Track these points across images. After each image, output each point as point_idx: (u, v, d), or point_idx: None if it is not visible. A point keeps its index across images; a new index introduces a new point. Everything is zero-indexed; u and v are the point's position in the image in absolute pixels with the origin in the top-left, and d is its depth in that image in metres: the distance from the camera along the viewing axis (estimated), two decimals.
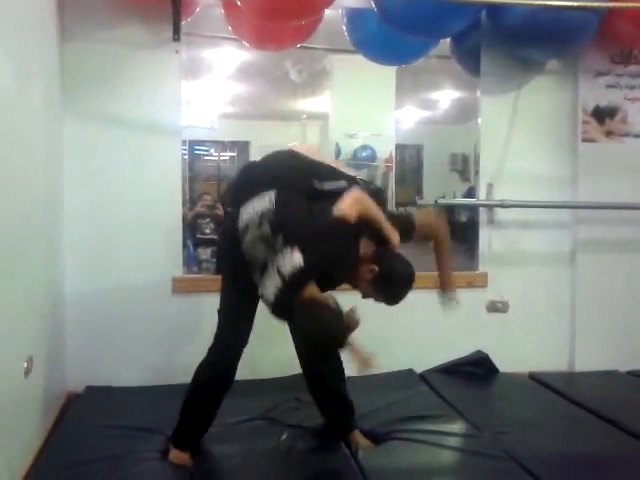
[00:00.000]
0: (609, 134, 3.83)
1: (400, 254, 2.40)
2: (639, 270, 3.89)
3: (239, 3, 3.03)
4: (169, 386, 3.15)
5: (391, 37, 3.30)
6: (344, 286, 2.46)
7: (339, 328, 2.18)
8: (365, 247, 2.35)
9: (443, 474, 2.57)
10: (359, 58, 3.65)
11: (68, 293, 3.30)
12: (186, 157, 3.94)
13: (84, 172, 3.31)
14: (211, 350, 2.50)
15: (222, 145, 5.13)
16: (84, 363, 3.31)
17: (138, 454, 2.51)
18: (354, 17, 3.52)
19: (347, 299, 2.31)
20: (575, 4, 3.02)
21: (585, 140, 3.80)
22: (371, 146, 4.92)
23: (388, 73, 4.27)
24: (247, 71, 4.55)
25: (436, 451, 2.65)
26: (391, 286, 2.35)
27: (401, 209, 2.76)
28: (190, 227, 4.20)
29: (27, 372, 2.45)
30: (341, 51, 4.17)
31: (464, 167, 4.88)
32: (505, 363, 3.68)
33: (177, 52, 3.38)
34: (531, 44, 3.46)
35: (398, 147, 4.89)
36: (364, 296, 2.41)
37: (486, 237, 3.78)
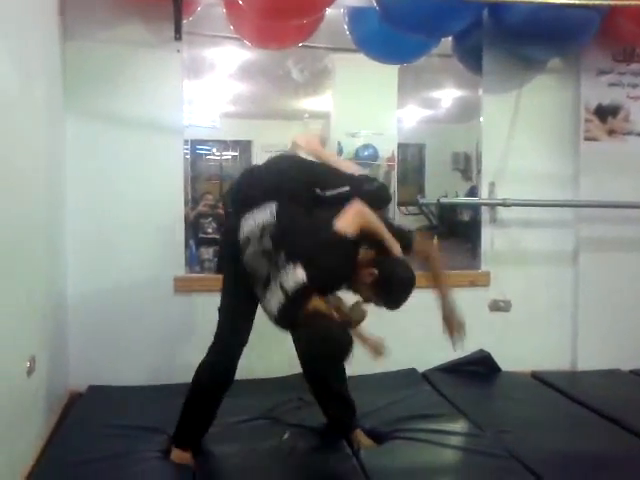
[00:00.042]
0: (611, 133, 3.82)
1: (400, 258, 2.38)
2: None
3: (241, 2, 3.03)
4: (171, 385, 3.15)
5: (393, 36, 3.30)
6: None
7: (344, 342, 2.18)
8: (365, 252, 2.34)
9: (445, 473, 2.57)
10: (361, 57, 3.65)
11: (70, 293, 3.30)
12: (188, 156, 3.95)
13: (86, 172, 3.31)
14: (211, 349, 2.51)
15: (224, 144, 5.14)
16: (86, 362, 3.31)
17: (140, 453, 2.51)
18: (356, 16, 3.51)
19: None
20: (577, 2, 3.02)
21: (587, 139, 3.79)
22: (373, 145, 4.92)
23: (390, 72, 4.27)
24: (249, 70, 4.55)
25: (438, 450, 2.65)
26: (391, 290, 2.33)
27: (402, 224, 2.73)
28: (192, 226, 4.21)
29: (29, 372, 2.45)
30: (343, 50, 4.17)
31: (466, 166, 4.88)
32: (507, 362, 3.68)
33: (179, 51, 3.38)
34: (533, 42, 3.45)
35: (400, 146, 4.90)
36: (365, 301, 2.41)
37: (488, 236, 3.78)
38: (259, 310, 2.42)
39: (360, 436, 2.69)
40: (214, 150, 5.16)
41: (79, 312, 3.30)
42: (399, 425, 2.81)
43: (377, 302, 2.37)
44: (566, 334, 3.85)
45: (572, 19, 3.21)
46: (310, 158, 2.74)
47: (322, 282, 2.24)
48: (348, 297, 2.31)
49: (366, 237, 2.31)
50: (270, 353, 3.21)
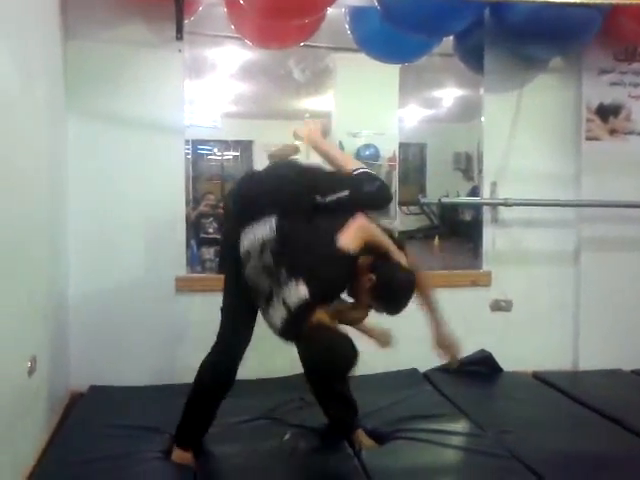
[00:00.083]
0: (613, 132, 3.82)
1: (399, 263, 2.36)
2: None
3: (242, 2, 3.03)
4: (172, 385, 3.16)
5: (394, 35, 3.29)
6: None
7: (349, 356, 2.18)
8: (363, 257, 2.31)
9: (447, 473, 2.57)
10: (362, 56, 3.64)
11: (71, 293, 3.30)
12: (189, 156, 3.95)
13: (87, 172, 3.31)
14: (214, 349, 2.50)
15: (225, 144, 5.13)
16: (88, 362, 3.31)
17: (142, 454, 2.51)
18: (357, 15, 3.51)
19: None
20: (579, 1, 3.01)
21: (589, 138, 3.79)
22: (374, 145, 4.91)
23: (391, 71, 4.26)
24: (250, 70, 4.54)
25: (440, 450, 2.65)
26: (391, 295, 2.31)
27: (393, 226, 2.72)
28: (193, 226, 4.20)
29: (31, 372, 2.45)
30: (344, 49, 4.16)
31: (467, 166, 4.87)
32: (509, 362, 3.68)
33: (180, 51, 3.38)
34: (534, 42, 3.45)
35: (401, 146, 4.89)
36: (365, 307, 2.38)
37: (490, 236, 3.77)
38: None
39: (361, 436, 2.69)
40: (215, 150, 5.15)
41: (80, 312, 3.30)
42: (400, 425, 2.81)
43: (377, 308, 2.35)
44: (568, 334, 3.84)
45: (573, 18, 3.21)
46: (308, 160, 2.74)
47: (324, 296, 2.24)
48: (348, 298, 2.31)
49: (369, 250, 2.28)
50: (271, 353, 3.19)
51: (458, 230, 5.16)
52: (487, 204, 3.76)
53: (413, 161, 5.42)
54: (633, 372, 3.73)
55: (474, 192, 4.12)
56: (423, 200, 5.18)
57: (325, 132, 2.97)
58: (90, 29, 3.28)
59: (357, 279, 2.29)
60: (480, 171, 3.84)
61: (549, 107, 3.80)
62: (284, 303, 2.17)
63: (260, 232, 2.28)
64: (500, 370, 3.69)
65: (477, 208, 3.93)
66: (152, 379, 3.31)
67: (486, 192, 3.76)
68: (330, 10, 3.28)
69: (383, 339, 2.49)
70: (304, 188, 2.42)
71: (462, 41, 3.78)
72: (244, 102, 4.94)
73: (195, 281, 3.49)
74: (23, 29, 2.44)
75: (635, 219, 3.81)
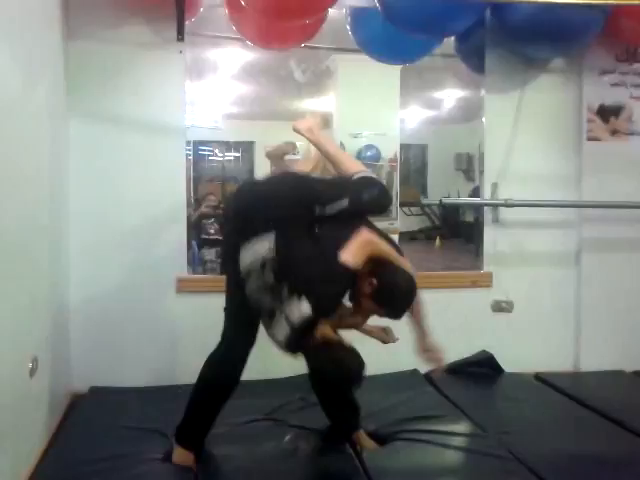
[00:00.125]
0: (614, 133, 3.82)
1: (400, 266, 2.34)
2: None
3: (243, 3, 3.03)
4: (173, 387, 3.16)
5: (395, 36, 3.29)
6: None
7: (356, 370, 2.19)
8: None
9: (448, 474, 2.56)
10: (363, 57, 3.64)
11: (72, 293, 3.30)
12: (190, 157, 3.94)
13: (88, 172, 3.31)
14: (218, 347, 2.50)
15: (226, 145, 5.12)
16: (88, 364, 3.31)
17: (142, 455, 2.51)
18: (358, 16, 3.51)
19: None
20: (580, 1, 3.01)
21: (590, 139, 3.79)
22: (375, 146, 4.90)
23: (392, 72, 4.25)
24: (251, 71, 4.54)
25: (441, 451, 2.65)
26: (392, 298, 2.29)
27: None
28: (195, 227, 4.20)
29: (32, 373, 2.45)
30: (345, 50, 4.15)
31: (469, 166, 4.87)
32: (510, 363, 3.68)
33: (181, 52, 3.39)
34: (535, 42, 3.45)
35: (402, 146, 4.87)
36: (366, 312, 2.38)
37: (491, 236, 3.77)
38: None
39: (362, 438, 2.69)
40: (216, 151, 5.14)
41: (81, 313, 3.31)
42: (401, 426, 2.81)
43: (379, 312, 2.34)
44: (569, 335, 3.84)
45: (575, 19, 3.21)
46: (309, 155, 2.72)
47: (327, 311, 2.24)
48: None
49: (372, 260, 2.27)
50: (272, 354, 3.19)
51: (459, 231, 5.16)
52: (488, 205, 3.76)
53: (414, 162, 5.41)
54: (635, 373, 3.73)
55: (475, 193, 4.12)
56: (424, 201, 5.17)
57: (326, 123, 2.93)
58: (91, 30, 3.28)
59: (357, 284, 2.27)
60: (481, 172, 3.84)
61: (550, 108, 3.80)
62: (287, 320, 2.17)
63: (260, 250, 2.27)
64: (501, 371, 3.68)
65: (478, 209, 3.93)
66: (153, 380, 3.32)
67: (487, 193, 3.75)
68: (331, 11, 3.29)
69: (385, 336, 2.49)
70: (303, 201, 2.38)
71: (463, 42, 3.78)
72: (245, 103, 4.93)
73: (196, 282, 3.49)
74: (25, 30, 2.44)
75: (636, 220, 3.80)
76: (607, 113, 3.81)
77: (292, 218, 2.33)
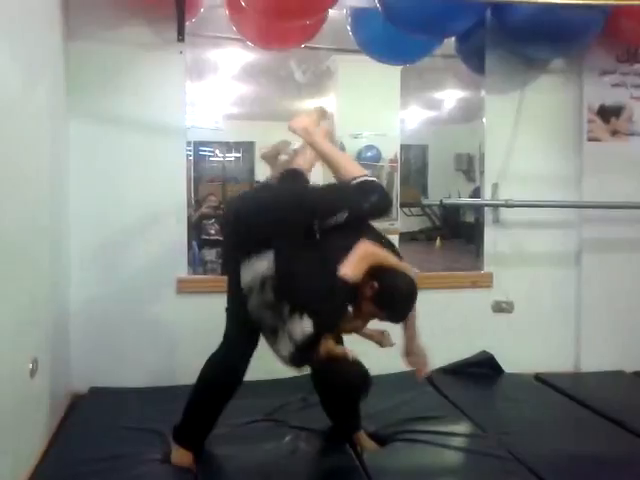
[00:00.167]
0: (614, 133, 3.81)
1: (400, 269, 2.32)
2: None
3: (243, 3, 3.03)
4: (173, 387, 3.15)
5: (395, 36, 3.29)
6: None
7: (362, 383, 2.21)
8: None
9: (448, 475, 2.57)
10: (364, 58, 3.64)
11: (73, 294, 3.30)
12: (191, 158, 3.95)
13: (88, 173, 3.31)
14: (220, 347, 2.50)
15: (227, 146, 5.12)
16: (88, 364, 3.31)
17: (142, 455, 2.51)
18: (358, 17, 3.51)
19: None
20: (580, 2, 3.01)
21: (590, 139, 3.79)
22: (376, 146, 4.91)
23: (393, 73, 4.25)
24: (251, 71, 4.54)
25: (441, 452, 2.65)
26: (393, 301, 2.27)
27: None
28: (195, 228, 4.20)
29: (32, 373, 2.45)
30: (346, 51, 4.16)
31: (469, 167, 4.87)
32: (510, 363, 3.68)
33: (181, 53, 3.39)
34: (536, 43, 3.45)
35: (403, 147, 4.88)
36: (367, 316, 2.36)
37: (491, 237, 3.77)
38: None
39: (363, 438, 2.69)
40: (217, 151, 5.14)
41: (81, 313, 3.30)
42: (402, 427, 2.81)
43: (380, 316, 2.32)
44: (569, 335, 3.84)
45: (575, 19, 3.21)
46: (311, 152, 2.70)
47: (330, 327, 2.24)
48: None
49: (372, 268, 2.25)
50: (272, 354, 3.20)
51: (459, 231, 5.17)
52: (488, 205, 3.76)
53: (415, 162, 5.42)
54: (635, 373, 3.73)
55: (476, 193, 4.12)
56: (425, 201, 5.18)
57: (323, 115, 2.85)
58: (92, 30, 3.28)
59: (358, 288, 2.24)
60: (482, 172, 3.84)
61: (550, 108, 3.80)
62: (290, 337, 2.17)
63: (260, 267, 2.26)
64: (501, 371, 3.68)
65: (479, 209, 3.93)
66: (153, 381, 3.31)
67: (488, 193, 3.75)
68: (331, 11, 3.29)
69: (384, 339, 2.48)
70: (302, 216, 2.34)
71: (464, 42, 3.78)
72: (245, 103, 4.94)
73: (196, 282, 3.49)
74: (25, 30, 2.44)
75: (637, 220, 3.80)
76: (607, 113, 3.81)
77: (291, 235, 2.31)
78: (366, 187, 2.46)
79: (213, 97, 4.58)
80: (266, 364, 3.26)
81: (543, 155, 3.80)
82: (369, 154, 4.92)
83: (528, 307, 3.78)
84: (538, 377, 3.65)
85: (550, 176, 3.79)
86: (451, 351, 3.67)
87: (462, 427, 2.88)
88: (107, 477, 2.36)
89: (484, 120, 3.80)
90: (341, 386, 2.24)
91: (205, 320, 3.22)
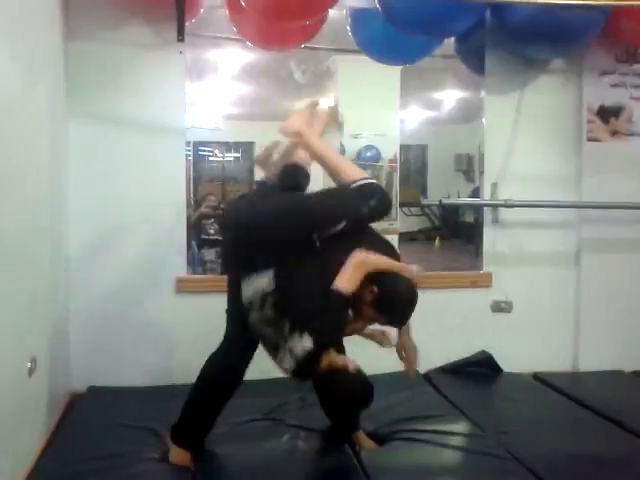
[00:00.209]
0: (614, 133, 3.82)
1: (400, 273, 2.29)
2: None
3: (243, 3, 3.04)
4: (172, 387, 3.16)
5: (395, 37, 3.29)
6: None
7: (365, 395, 2.23)
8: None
9: (447, 474, 2.57)
10: (363, 58, 3.64)
11: (72, 294, 3.30)
12: (190, 158, 3.95)
13: (88, 173, 3.32)
14: (219, 348, 2.50)
15: (226, 146, 5.12)
16: (87, 363, 3.32)
17: (140, 454, 2.52)
18: (358, 17, 3.51)
19: None
20: (580, 2, 3.01)
21: (590, 139, 3.79)
22: (375, 146, 4.90)
23: (392, 73, 4.25)
24: (251, 72, 4.54)
25: (440, 451, 2.65)
26: (393, 305, 2.26)
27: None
28: (194, 228, 4.20)
29: (30, 372, 2.46)
30: (345, 51, 4.16)
31: (469, 167, 4.87)
32: (509, 363, 3.68)
33: (181, 53, 3.39)
34: (535, 43, 3.45)
35: (402, 147, 4.88)
36: (368, 321, 2.35)
37: (490, 237, 3.77)
38: None
39: (362, 437, 2.69)
40: (216, 151, 5.14)
41: (80, 313, 3.31)
42: (400, 426, 2.82)
43: (380, 320, 2.30)
44: (568, 335, 3.84)
45: (575, 20, 3.21)
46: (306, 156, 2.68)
47: (330, 342, 2.24)
48: None
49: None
50: None
51: (459, 231, 5.16)
52: (488, 205, 3.76)
53: (414, 162, 5.42)
54: (634, 373, 3.73)
55: (475, 193, 4.12)
56: (424, 201, 5.18)
57: (314, 105, 2.76)
58: (91, 31, 3.29)
59: (357, 293, 2.21)
60: (481, 172, 3.85)
61: (550, 108, 3.81)
62: (291, 353, 2.17)
63: (260, 284, 2.26)
64: (500, 371, 3.69)
65: (478, 209, 3.93)
66: (152, 380, 3.32)
67: (487, 193, 3.76)
68: (331, 12, 3.29)
69: (384, 341, 2.49)
70: (302, 231, 2.31)
71: (463, 42, 3.78)
72: (245, 104, 4.94)
73: (196, 282, 3.49)
74: (25, 31, 2.44)
75: (636, 220, 3.81)
76: (607, 114, 3.81)
77: (291, 249, 2.29)
78: (365, 190, 2.40)
79: (213, 97, 4.58)
80: (266, 363, 3.29)
81: (543, 155, 3.80)
82: (369, 154, 4.92)
83: (527, 307, 3.78)
84: (537, 377, 3.65)
85: (550, 176, 3.79)
86: (450, 351, 3.67)
87: (461, 426, 2.89)
88: (105, 476, 2.37)
89: (484, 120, 3.81)
90: (343, 397, 2.25)
91: (204, 320, 3.23)
